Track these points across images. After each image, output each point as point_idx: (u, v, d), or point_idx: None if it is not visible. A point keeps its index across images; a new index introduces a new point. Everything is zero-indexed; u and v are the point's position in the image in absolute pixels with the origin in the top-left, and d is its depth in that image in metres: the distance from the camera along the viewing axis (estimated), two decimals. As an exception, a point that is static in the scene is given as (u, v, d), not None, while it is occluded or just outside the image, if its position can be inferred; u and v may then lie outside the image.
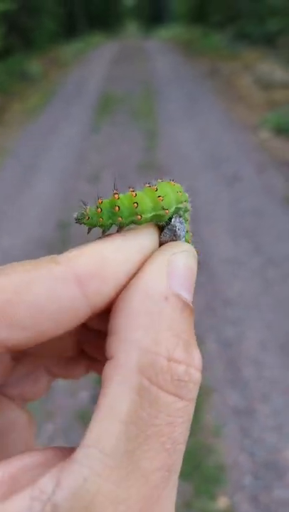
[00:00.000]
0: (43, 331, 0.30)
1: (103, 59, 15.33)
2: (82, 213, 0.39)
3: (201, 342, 2.66)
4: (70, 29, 22.35)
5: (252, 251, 3.58)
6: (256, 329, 2.80)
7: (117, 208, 0.38)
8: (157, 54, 15.79)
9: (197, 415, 2.26)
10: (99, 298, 0.32)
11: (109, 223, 0.39)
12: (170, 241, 0.38)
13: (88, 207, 0.39)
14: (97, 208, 0.39)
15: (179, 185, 0.41)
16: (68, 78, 11.66)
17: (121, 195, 0.39)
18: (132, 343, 0.30)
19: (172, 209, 0.39)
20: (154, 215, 0.38)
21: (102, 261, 0.32)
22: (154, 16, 45.26)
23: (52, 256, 0.32)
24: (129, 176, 5.06)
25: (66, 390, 2.44)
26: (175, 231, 0.39)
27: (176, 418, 0.29)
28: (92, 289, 0.31)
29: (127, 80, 10.71)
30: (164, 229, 0.39)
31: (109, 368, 0.30)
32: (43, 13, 16.36)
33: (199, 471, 2.06)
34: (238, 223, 3.98)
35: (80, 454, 0.27)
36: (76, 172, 5.34)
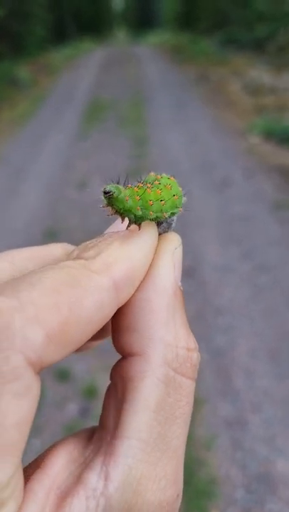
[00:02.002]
0: (84, 341, 0.30)
1: (92, 65, 15.35)
2: (120, 190, 0.37)
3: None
4: (59, 35, 22.41)
5: (242, 257, 3.56)
6: (247, 337, 2.77)
7: (150, 202, 0.38)
8: (146, 60, 15.84)
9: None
10: (126, 298, 0.33)
11: (139, 215, 0.38)
12: (163, 232, 0.40)
13: (126, 188, 0.38)
14: (137, 195, 0.38)
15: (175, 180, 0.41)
16: (57, 85, 11.65)
17: (151, 191, 0.39)
18: (158, 340, 0.33)
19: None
20: (171, 213, 0.40)
21: (132, 264, 0.33)
22: (142, 22, 45.55)
23: (79, 261, 0.32)
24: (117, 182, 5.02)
25: (54, 403, 2.39)
26: (171, 224, 0.41)
27: (191, 396, 0.34)
28: (124, 292, 0.33)
29: (116, 86, 10.72)
30: (163, 222, 0.40)
31: (138, 365, 0.33)
32: (32, 19, 16.37)
33: (191, 485, 2.02)
34: (227, 229, 3.96)
35: (123, 447, 0.30)
36: (64, 179, 5.31)
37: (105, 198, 0.38)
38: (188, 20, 22.52)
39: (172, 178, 0.41)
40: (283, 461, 2.08)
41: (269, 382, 2.46)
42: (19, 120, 8.15)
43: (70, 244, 0.39)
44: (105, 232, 0.39)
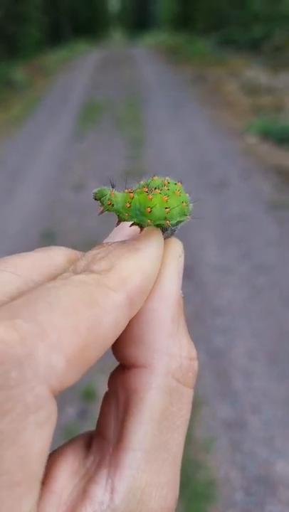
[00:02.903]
0: (98, 358, 0.30)
1: (88, 67, 15.36)
2: (105, 193, 0.37)
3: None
4: (55, 37, 22.42)
5: (240, 258, 3.55)
6: (246, 338, 2.76)
7: (149, 209, 0.36)
8: (143, 61, 15.86)
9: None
10: (137, 310, 0.33)
11: (133, 221, 0.37)
12: (166, 238, 0.38)
13: (114, 191, 0.37)
14: (127, 202, 0.37)
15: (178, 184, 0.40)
16: (53, 86, 11.66)
17: (153, 197, 0.37)
18: (164, 352, 0.34)
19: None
20: (178, 221, 0.38)
21: (145, 277, 0.33)
22: (139, 23, 45.61)
23: (93, 275, 0.31)
24: (115, 184, 5.02)
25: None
26: (175, 230, 0.39)
27: (190, 404, 0.35)
28: (137, 305, 0.32)
29: (113, 87, 10.73)
30: (168, 229, 0.39)
31: (144, 377, 0.33)
32: (27, 21, 16.37)
33: (189, 488, 2.01)
34: (225, 230, 3.96)
35: (128, 459, 0.30)
36: (60, 181, 5.30)
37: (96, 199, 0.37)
38: (184, 21, 22.55)
39: (179, 183, 0.39)
40: (283, 463, 2.07)
41: (268, 383, 2.45)
42: (15, 122, 8.15)
43: (70, 249, 0.37)
44: (107, 240, 0.38)
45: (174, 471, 0.33)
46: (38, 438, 0.24)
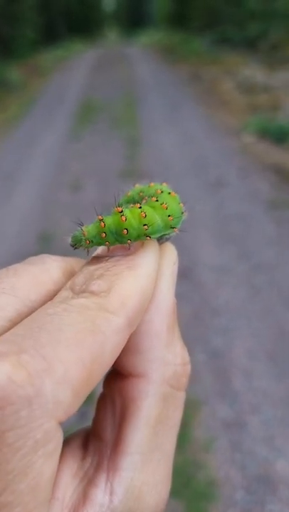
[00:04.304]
0: (99, 381, 0.31)
1: (83, 66, 15.34)
2: (79, 237, 0.36)
3: (188, 353, 2.61)
4: (49, 36, 22.36)
5: (238, 257, 3.55)
6: (244, 338, 2.76)
7: (125, 231, 0.36)
8: (138, 60, 15.84)
9: (186, 431, 2.22)
10: (135, 327, 0.33)
11: (116, 243, 0.37)
12: (160, 244, 0.38)
13: (85, 228, 0.37)
14: (101, 232, 0.36)
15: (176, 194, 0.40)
16: (49, 86, 11.64)
17: (128, 214, 0.36)
18: (160, 361, 0.35)
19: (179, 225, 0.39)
20: (161, 235, 0.38)
21: (144, 296, 0.33)
22: (134, 22, 45.53)
23: (93, 299, 0.31)
24: (110, 183, 5.02)
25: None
26: (169, 238, 0.39)
27: (183, 404, 0.37)
28: (136, 323, 0.33)
29: (108, 87, 10.72)
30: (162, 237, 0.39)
31: (140, 386, 0.35)
32: (22, 21, 16.33)
33: (190, 488, 2.01)
34: (223, 229, 3.96)
35: (126, 463, 0.32)
36: (57, 182, 5.29)
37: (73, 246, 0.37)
38: (180, 20, 22.53)
39: (173, 193, 0.39)
40: (283, 462, 2.08)
41: (267, 383, 2.46)
42: (10, 122, 8.13)
43: (64, 259, 0.37)
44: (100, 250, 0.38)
45: (167, 468, 0.35)
46: (47, 467, 0.25)
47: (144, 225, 0.36)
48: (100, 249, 0.38)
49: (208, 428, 2.24)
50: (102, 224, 0.36)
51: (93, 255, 0.37)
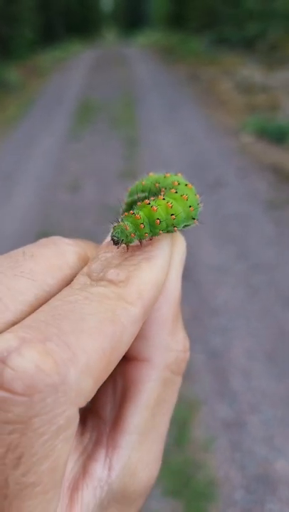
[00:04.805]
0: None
1: (82, 67, 15.33)
2: (125, 232, 0.36)
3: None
4: (48, 37, 22.35)
5: (237, 257, 3.55)
6: (243, 338, 2.76)
7: (158, 221, 0.36)
8: (137, 61, 15.84)
9: (185, 431, 2.22)
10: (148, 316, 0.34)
11: (150, 236, 0.37)
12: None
13: (124, 224, 0.37)
14: (140, 224, 0.36)
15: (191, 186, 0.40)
16: (47, 87, 11.63)
17: (157, 207, 0.37)
18: (164, 347, 0.37)
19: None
20: (184, 226, 0.39)
21: (158, 288, 0.34)
22: (132, 22, 45.53)
23: (112, 288, 0.32)
24: (109, 184, 5.02)
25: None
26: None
27: (178, 389, 0.38)
28: (149, 313, 0.34)
29: (107, 87, 10.71)
30: None
31: (144, 370, 0.36)
32: (20, 22, 16.33)
33: (190, 488, 2.01)
34: (222, 229, 3.96)
35: (125, 442, 0.34)
36: (56, 182, 5.29)
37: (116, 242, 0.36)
38: (178, 20, 22.52)
39: (190, 185, 0.39)
40: (282, 462, 2.08)
41: (266, 383, 2.46)
42: (9, 123, 8.12)
43: (78, 244, 0.37)
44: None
45: (160, 447, 0.37)
46: (65, 450, 0.27)
47: (172, 214, 0.37)
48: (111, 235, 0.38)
49: (207, 428, 2.24)
50: (138, 216, 0.36)
51: (106, 241, 0.38)
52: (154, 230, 0.36)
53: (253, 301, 3.06)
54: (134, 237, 0.36)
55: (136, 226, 0.36)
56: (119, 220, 0.37)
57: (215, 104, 8.33)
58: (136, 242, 0.37)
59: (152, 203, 0.37)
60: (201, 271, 3.38)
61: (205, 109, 8.04)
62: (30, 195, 4.95)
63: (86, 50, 23.06)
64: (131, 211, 0.37)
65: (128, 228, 0.36)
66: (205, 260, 3.52)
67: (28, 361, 0.25)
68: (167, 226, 0.37)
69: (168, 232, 0.37)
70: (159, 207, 0.37)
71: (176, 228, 0.37)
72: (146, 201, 0.37)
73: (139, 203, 0.37)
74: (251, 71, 10.23)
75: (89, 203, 4.64)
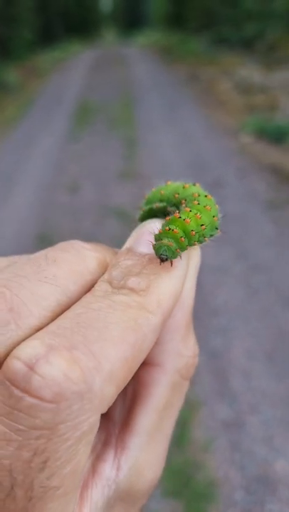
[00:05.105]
0: None
1: (81, 67, 15.33)
2: (171, 249, 0.35)
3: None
4: (47, 38, 22.34)
5: (236, 257, 3.55)
6: (243, 338, 2.76)
7: (193, 232, 0.37)
8: (136, 61, 15.84)
9: (185, 431, 2.22)
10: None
11: (187, 248, 0.38)
12: None
13: (167, 241, 0.36)
14: (180, 237, 0.36)
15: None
16: (46, 87, 11.63)
17: (190, 219, 0.37)
18: (176, 353, 0.38)
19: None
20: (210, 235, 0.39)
21: (176, 298, 0.35)
22: (131, 22, 45.53)
23: (134, 297, 0.32)
24: (109, 185, 5.02)
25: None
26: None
27: (185, 393, 0.39)
28: (167, 320, 0.34)
29: (106, 88, 10.71)
30: None
31: (155, 374, 0.37)
32: (19, 22, 16.33)
33: (189, 488, 2.01)
34: (221, 229, 3.95)
35: (133, 443, 0.35)
36: (55, 183, 5.28)
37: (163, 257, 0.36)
38: (177, 21, 22.52)
39: (209, 196, 0.40)
40: (282, 462, 2.08)
41: (266, 383, 2.46)
42: (8, 123, 8.12)
43: (97, 249, 0.38)
44: (132, 243, 0.38)
45: (165, 448, 0.38)
46: (86, 454, 0.28)
47: (202, 225, 0.37)
48: (130, 242, 0.38)
49: (207, 428, 2.25)
50: (176, 230, 0.36)
51: (125, 247, 0.38)
52: (190, 242, 0.37)
53: (253, 302, 3.07)
54: (178, 253, 0.36)
55: (177, 241, 0.36)
56: (157, 237, 0.37)
57: (214, 105, 8.33)
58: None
59: (182, 215, 0.37)
60: (200, 271, 3.37)
61: (204, 109, 8.04)
62: (30, 196, 4.95)
63: (85, 51, 23.05)
64: (166, 227, 0.36)
65: (172, 244, 0.36)
66: (205, 260, 3.51)
67: (56, 369, 0.26)
68: (199, 237, 0.38)
69: (200, 242, 0.38)
70: (191, 220, 0.37)
71: (206, 239, 0.39)
72: (176, 215, 0.37)
73: (167, 218, 0.37)
74: (250, 71, 10.23)
75: (88, 203, 4.63)
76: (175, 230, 0.36)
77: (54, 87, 11.54)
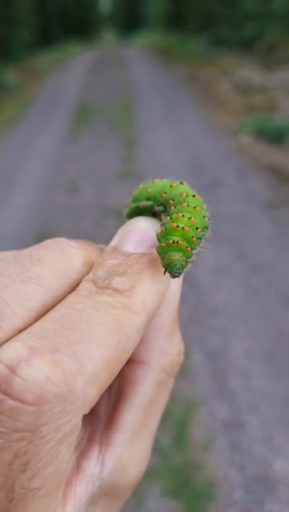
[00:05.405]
0: None
1: (80, 68, 15.34)
2: (183, 266, 0.36)
3: (186, 353, 2.61)
4: (46, 39, 22.35)
5: (235, 257, 3.55)
6: (242, 338, 2.76)
7: (194, 238, 0.37)
8: (135, 62, 15.85)
9: (184, 431, 2.22)
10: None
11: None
12: None
13: (178, 257, 0.35)
14: (187, 247, 0.36)
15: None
16: (45, 88, 11.63)
17: (184, 225, 0.37)
18: (161, 351, 0.38)
19: None
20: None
21: (161, 298, 0.35)
22: (130, 23, 45.55)
23: (118, 298, 0.32)
24: (108, 185, 5.02)
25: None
26: None
27: (170, 389, 0.39)
28: (151, 320, 0.34)
29: (105, 88, 10.72)
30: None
31: (140, 372, 0.37)
32: (18, 23, 16.34)
33: (189, 489, 2.01)
34: (220, 230, 3.96)
35: (118, 440, 0.36)
36: (54, 183, 5.29)
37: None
38: (176, 21, 22.55)
39: (197, 195, 0.39)
40: (281, 462, 2.08)
41: (266, 383, 2.46)
42: (8, 124, 8.12)
43: (82, 248, 0.37)
44: (118, 241, 0.38)
45: (149, 444, 0.38)
46: (68, 454, 0.28)
47: (197, 228, 0.37)
48: (116, 240, 0.38)
49: (206, 428, 2.24)
50: (181, 242, 0.36)
51: (111, 245, 0.38)
52: (193, 249, 0.37)
53: (252, 302, 3.06)
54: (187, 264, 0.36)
55: (185, 253, 0.36)
56: (163, 251, 0.36)
57: (213, 105, 8.33)
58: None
59: (180, 224, 0.36)
60: (198, 272, 3.38)
61: (203, 110, 8.05)
62: (29, 197, 4.95)
63: (84, 52, 23.07)
64: (170, 240, 0.35)
65: (183, 259, 0.36)
66: (204, 261, 3.52)
67: (38, 372, 0.26)
68: (198, 240, 0.37)
69: (197, 245, 0.38)
70: (189, 227, 0.37)
71: (203, 241, 0.38)
72: (174, 225, 0.36)
73: (163, 229, 0.37)
74: (249, 72, 10.24)
75: (88, 203, 4.64)
76: (180, 242, 0.36)
77: (53, 88, 11.55)
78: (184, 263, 0.35)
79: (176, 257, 0.35)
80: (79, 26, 32.07)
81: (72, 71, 14.74)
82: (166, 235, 0.36)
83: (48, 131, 7.49)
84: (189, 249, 0.36)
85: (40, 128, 7.72)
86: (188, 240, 0.36)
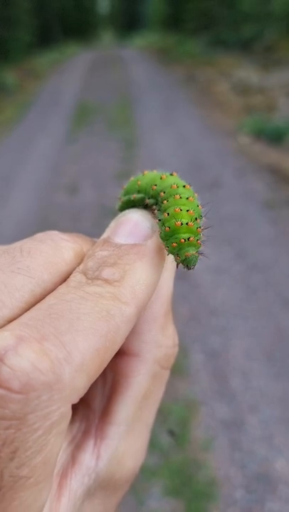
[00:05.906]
0: None
1: (78, 69, 15.33)
2: (197, 259, 0.37)
3: (186, 353, 2.62)
4: (44, 40, 22.34)
5: (234, 257, 3.55)
6: (242, 338, 2.76)
7: (199, 229, 0.38)
8: (133, 62, 15.84)
9: (185, 431, 2.22)
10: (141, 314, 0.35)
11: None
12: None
13: (192, 252, 0.37)
14: (198, 240, 0.37)
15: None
16: (44, 89, 11.63)
17: (184, 219, 0.37)
18: (154, 343, 0.38)
19: None
20: None
21: (153, 288, 0.35)
22: (128, 24, 45.51)
23: (108, 288, 0.32)
24: (107, 185, 5.02)
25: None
26: None
27: (166, 382, 0.40)
28: (142, 311, 0.34)
29: (104, 89, 10.71)
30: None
31: (134, 365, 0.37)
32: (17, 24, 16.33)
33: (190, 488, 2.01)
34: (219, 230, 3.96)
35: (113, 432, 0.36)
36: (54, 184, 5.28)
37: None
38: (174, 22, 22.54)
39: (188, 186, 0.39)
40: (282, 461, 2.08)
41: (265, 382, 2.46)
42: (7, 125, 8.11)
43: (74, 240, 0.38)
44: (110, 233, 0.38)
45: (146, 437, 0.39)
46: (57, 444, 0.28)
47: (196, 218, 0.37)
48: (107, 232, 0.38)
49: (207, 428, 2.24)
50: (192, 238, 0.37)
51: (102, 237, 0.38)
52: (199, 238, 0.37)
53: (252, 301, 3.07)
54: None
55: (196, 245, 0.37)
56: (177, 249, 0.37)
57: (212, 106, 8.34)
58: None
59: (183, 220, 0.37)
60: (198, 272, 3.38)
61: (202, 110, 8.05)
62: (29, 197, 4.94)
63: (83, 52, 23.06)
64: (181, 239, 0.36)
65: (196, 253, 0.37)
66: (203, 261, 3.51)
67: (25, 360, 0.26)
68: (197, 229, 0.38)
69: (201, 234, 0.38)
70: (193, 222, 0.37)
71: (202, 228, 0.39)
72: (178, 223, 0.36)
73: (167, 229, 0.37)
74: (247, 72, 10.25)
75: (87, 203, 4.63)
76: (191, 238, 0.36)
77: (52, 89, 11.54)
78: (197, 255, 0.36)
79: (191, 252, 0.36)
80: (78, 27, 32.08)
81: (71, 72, 14.74)
82: (174, 233, 0.36)
83: (48, 131, 7.48)
84: (200, 242, 0.37)
85: (39, 128, 7.72)
86: (195, 233, 0.37)
